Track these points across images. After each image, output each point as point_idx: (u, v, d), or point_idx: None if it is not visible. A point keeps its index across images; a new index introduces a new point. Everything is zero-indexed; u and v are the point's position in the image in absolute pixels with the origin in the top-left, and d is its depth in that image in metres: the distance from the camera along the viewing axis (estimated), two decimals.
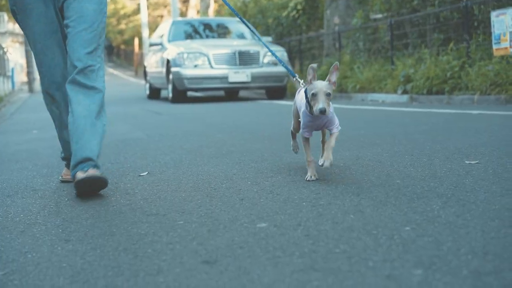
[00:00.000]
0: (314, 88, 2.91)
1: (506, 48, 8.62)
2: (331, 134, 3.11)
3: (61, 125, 3.42)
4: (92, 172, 2.99)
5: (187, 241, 2.16)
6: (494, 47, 8.85)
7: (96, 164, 3.08)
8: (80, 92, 3.12)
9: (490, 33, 9.04)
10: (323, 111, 2.86)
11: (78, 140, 3.07)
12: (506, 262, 1.72)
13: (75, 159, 3.06)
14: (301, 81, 3.24)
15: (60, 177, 3.59)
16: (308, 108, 3.05)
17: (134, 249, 2.10)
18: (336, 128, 3.10)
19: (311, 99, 2.94)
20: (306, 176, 3.14)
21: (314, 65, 2.98)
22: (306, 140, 3.17)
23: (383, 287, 1.60)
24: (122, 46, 52.10)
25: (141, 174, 3.64)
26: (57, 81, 3.30)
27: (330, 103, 3.02)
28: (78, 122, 3.09)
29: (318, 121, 3.08)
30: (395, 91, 10.63)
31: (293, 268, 1.80)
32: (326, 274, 1.72)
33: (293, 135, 3.59)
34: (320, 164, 3.07)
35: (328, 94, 2.90)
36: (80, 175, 2.98)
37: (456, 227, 2.11)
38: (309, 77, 2.97)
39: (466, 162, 3.41)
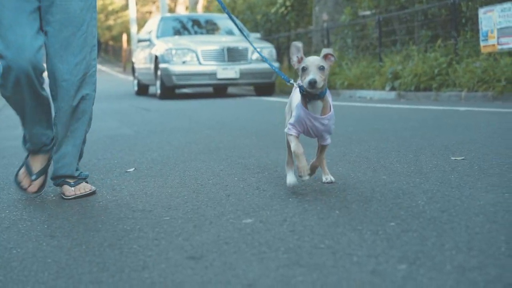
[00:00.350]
0: (305, 62, 2.53)
1: (493, 45, 8.67)
2: (321, 147, 2.80)
3: (28, 119, 2.94)
4: (79, 190, 2.93)
5: (172, 236, 2.16)
6: (482, 44, 8.90)
7: (79, 177, 2.99)
8: (68, 113, 2.87)
9: (478, 30, 9.09)
10: (312, 82, 2.45)
11: (59, 160, 2.94)
12: (491, 258, 1.73)
13: (56, 173, 2.96)
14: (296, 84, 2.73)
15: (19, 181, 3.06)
16: (303, 100, 2.63)
17: (120, 245, 2.10)
18: (329, 139, 2.77)
19: (301, 75, 2.54)
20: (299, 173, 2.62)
21: (298, 44, 2.60)
22: (293, 136, 2.68)
23: (367, 282, 1.61)
24: (111, 42, 51.88)
25: (128, 170, 3.63)
26: (26, 69, 2.68)
27: (328, 97, 2.66)
28: (61, 142, 2.93)
29: (313, 121, 2.63)
30: (383, 88, 10.66)
31: (278, 263, 1.80)
32: (311, 270, 1.72)
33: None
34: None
35: (321, 68, 2.51)
36: (68, 192, 2.92)
37: (441, 222, 2.12)
38: (294, 56, 2.59)
39: (452, 158, 3.43)
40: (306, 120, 2.62)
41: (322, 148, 2.80)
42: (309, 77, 2.48)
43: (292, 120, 2.66)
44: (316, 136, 2.72)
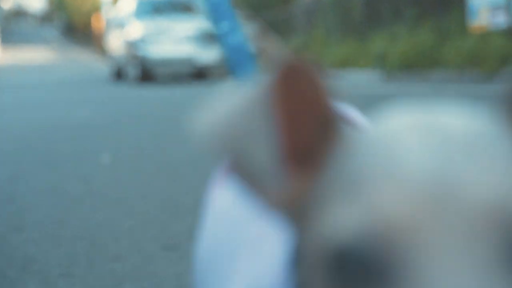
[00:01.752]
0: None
1: (483, 23, 8.60)
2: None
3: None
4: None
5: (147, 226, 2.09)
6: (471, 22, 8.82)
7: None
8: None
9: (467, 8, 9.01)
10: None
11: None
12: None
13: None
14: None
15: None
16: None
17: (91, 236, 2.03)
18: None
19: None
20: None
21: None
22: None
23: None
24: (83, 26, 51.19)
25: (102, 160, 3.54)
26: None
27: None
28: None
29: None
30: (371, 69, 10.55)
31: None
32: None
33: None
34: None
35: None
36: None
37: None
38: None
39: None
40: None
41: None
42: None
43: None
44: None
